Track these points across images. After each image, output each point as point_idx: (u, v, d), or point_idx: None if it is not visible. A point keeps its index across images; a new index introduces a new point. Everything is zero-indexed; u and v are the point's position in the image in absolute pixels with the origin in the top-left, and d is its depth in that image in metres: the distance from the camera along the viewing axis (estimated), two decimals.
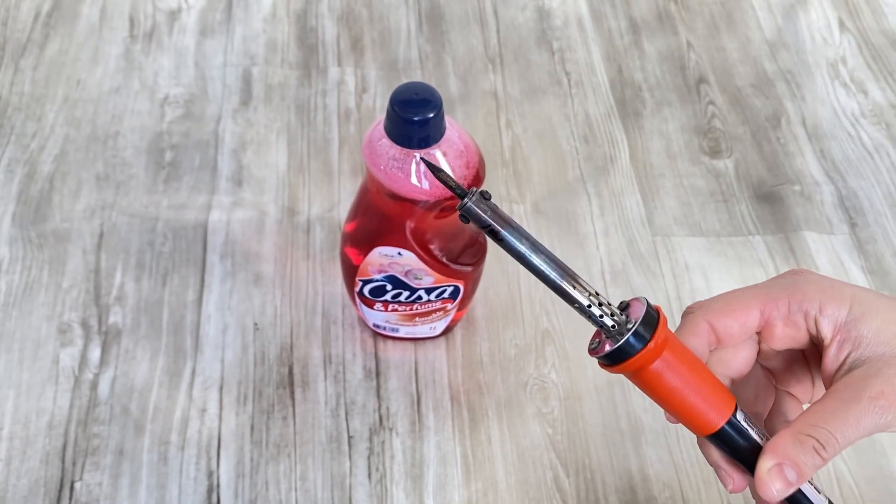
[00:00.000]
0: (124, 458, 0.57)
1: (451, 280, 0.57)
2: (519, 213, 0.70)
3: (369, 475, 0.57)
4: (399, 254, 0.55)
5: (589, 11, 0.86)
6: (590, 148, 0.75)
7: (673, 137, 0.77)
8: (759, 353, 0.43)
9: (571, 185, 0.73)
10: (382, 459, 0.58)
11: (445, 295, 0.58)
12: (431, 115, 0.49)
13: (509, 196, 0.71)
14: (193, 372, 0.60)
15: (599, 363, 0.39)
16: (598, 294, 0.38)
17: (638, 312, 0.38)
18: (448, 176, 0.38)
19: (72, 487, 0.55)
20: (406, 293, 0.57)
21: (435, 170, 0.38)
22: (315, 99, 0.77)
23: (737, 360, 0.42)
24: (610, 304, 0.38)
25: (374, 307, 0.59)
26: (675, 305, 0.66)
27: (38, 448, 0.57)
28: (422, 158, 0.40)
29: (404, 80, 0.78)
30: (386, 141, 0.51)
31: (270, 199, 0.70)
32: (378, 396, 0.60)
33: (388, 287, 0.57)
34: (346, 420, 0.59)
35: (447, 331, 0.63)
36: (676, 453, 0.59)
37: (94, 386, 0.59)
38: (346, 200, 0.70)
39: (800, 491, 0.40)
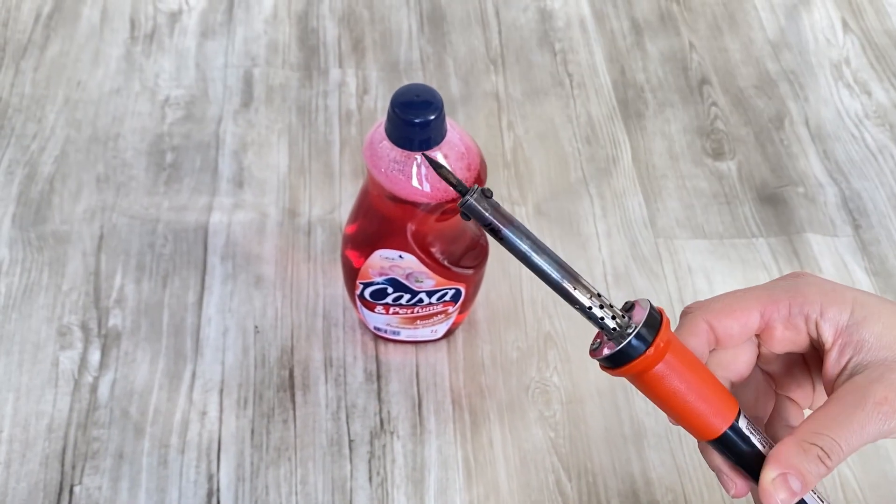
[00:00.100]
0: (124, 462, 0.56)
1: (453, 283, 0.57)
2: (521, 214, 0.70)
3: (370, 479, 0.57)
4: (400, 256, 0.54)
5: (591, 12, 0.86)
6: (592, 149, 0.75)
7: (675, 139, 0.76)
8: (758, 356, 0.43)
9: (573, 187, 0.72)
10: (383, 463, 0.57)
11: (447, 298, 0.58)
12: (432, 117, 0.49)
13: (511, 198, 0.71)
14: (194, 375, 0.60)
15: (601, 366, 0.39)
16: (600, 295, 0.38)
17: (640, 314, 0.38)
18: (449, 172, 0.38)
19: (71, 491, 0.55)
20: (407, 296, 0.57)
21: (436, 166, 0.38)
22: (316, 100, 0.77)
23: (737, 362, 0.42)
24: (612, 306, 0.38)
25: (375, 310, 0.59)
26: (677, 308, 0.65)
27: (37, 451, 0.56)
28: (423, 155, 0.39)
29: (405, 82, 0.78)
30: (387, 143, 0.50)
31: (271, 200, 0.70)
32: (379, 399, 0.60)
33: (389, 290, 0.57)
34: (347, 423, 0.59)
35: (448, 334, 0.62)
36: (679, 457, 0.58)
37: (93, 389, 0.59)
38: (348, 202, 0.69)
39: (802, 501, 0.40)
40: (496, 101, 0.78)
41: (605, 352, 0.38)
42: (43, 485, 0.55)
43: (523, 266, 0.38)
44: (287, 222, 0.68)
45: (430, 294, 0.57)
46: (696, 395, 0.39)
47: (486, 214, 0.37)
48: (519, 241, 0.37)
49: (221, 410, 0.59)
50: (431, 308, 0.58)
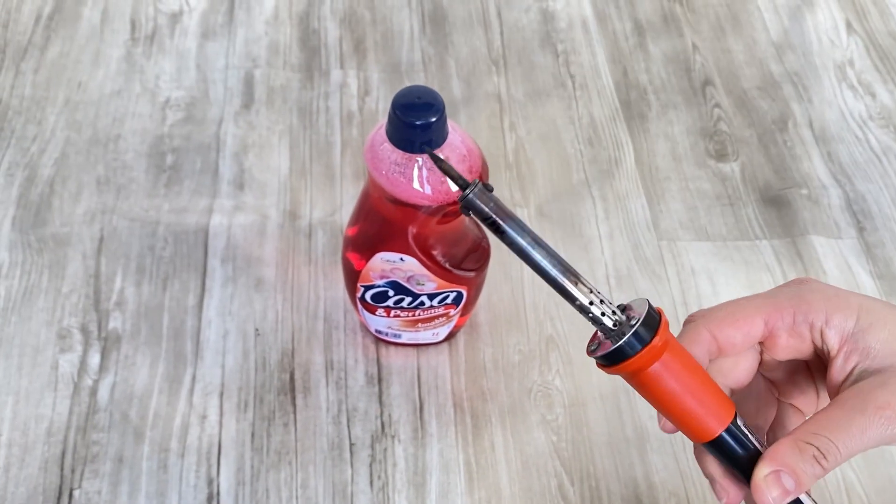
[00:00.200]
0: (124, 466, 0.56)
1: (454, 286, 0.56)
2: (523, 216, 0.69)
3: (371, 483, 0.56)
4: (401, 259, 0.54)
5: (593, 13, 0.85)
6: (594, 151, 0.75)
7: (678, 140, 0.76)
8: (760, 363, 0.43)
9: (576, 189, 0.72)
10: (384, 467, 0.57)
11: (448, 301, 0.57)
12: (433, 119, 0.48)
13: (513, 199, 0.71)
14: (194, 378, 0.60)
15: (597, 363, 0.39)
16: (599, 293, 0.37)
17: (639, 314, 0.37)
18: (450, 167, 0.37)
19: (70, 495, 0.55)
20: (408, 299, 0.57)
21: (437, 160, 0.38)
22: (317, 102, 0.76)
23: (737, 370, 0.42)
24: (611, 304, 0.37)
25: (376, 313, 0.58)
26: (680, 310, 0.65)
27: (36, 455, 0.56)
28: (425, 149, 0.39)
29: (407, 83, 0.78)
30: (388, 145, 0.50)
31: (272, 202, 0.69)
32: (380, 403, 0.60)
33: (391, 293, 0.56)
34: (348, 427, 0.58)
35: (450, 336, 0.62)
36: (682, 461, 0.58)
37: (93, 392, 0.59)
38: (349, 204, 0.69)
39: (799, 501, 0.40)
40: (498, 102, 0.77)
41: (603, 350, 0.38)
42: (42, 489, 0.55)
43: (525, 269, 0.38)
44: (288, 224, 0.68)
45: (431, 297, 0.56)
46: (693, 396, 0.38)
47: (487, 209, 0.37)
48: (519, 237, 0.37)
49: (222, 414, 0.58)
50: (433, 311, 0.58)
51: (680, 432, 0.40)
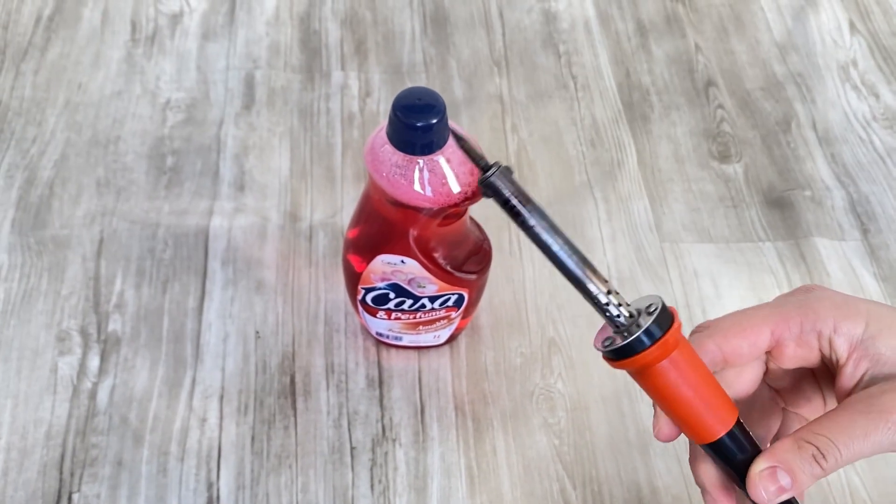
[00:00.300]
0: (123, 470, 0.56)
1: (456, 288, 0.56)
2: None
3: (372, 487, 0.56)
4: (402, 262, 0.54)
5: (596, 14, 0.85)
6: (597, 152, 0.74)
7: (681, 141, 0.76)
8: (766, 372, 0.42)
9: (578, 190, 0.72)
10: (385, 471, 0.57)
11: (449, 303, 0.57)
12: (434, 120, 0.48)
13: None
14: (194, 381, 0.59)
15: (604, 356, 0.38)
16: (612, 287, 0.37)
17: (652, 310, 0.37)
18: (472, 147, 0.37)
19: (69, 499, 0.54)
20: (409, 301, 0.56)
21: (459, 140, 0.37)
22: (318, 103, 0.76)
23: (740, 380, 0.41)
24: (623, 302, 0.37)
25: (377, 315, 0.58)
26: (683, 313, 0.64)
27: (35, 459, 0.56)
28: (449, 128, 0.38)
29: (408, 84, 0.77)
30: (388, 147, 0.50)
31: (273, 204, 0.69)
32: (381, 406, 0.59)
33: (391, 295, 0.56)
34: (349, 430, 0.58)
35: (451, 339, 0.62)
36: (686, 465, 0.57)
37: (92, 395, 0.58)
38: (349, 206, 0.69)
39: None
40: (500, 103, 0.77)
41: (614, 343, 0.37)
42: (41, 493, 0.54)
43: (527, 271, 0.37)
44: (288, 226, 0.68)
45: (432, 299, 0.56)
46: (699, 395, 0.38)
47: (507, 192, 0.36)
48: (537, 224, 0.36)
49: (221, 417, 0.58)
50: (434, 313, 0.57)
51: (677, 438, 0.40)
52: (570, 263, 0.37)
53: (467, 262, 0.56)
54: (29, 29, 0.80)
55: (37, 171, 0.70)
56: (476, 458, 0.57)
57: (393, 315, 0.58)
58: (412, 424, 0.59)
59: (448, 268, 0.55)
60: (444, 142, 0.50)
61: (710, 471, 0.41)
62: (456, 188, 0.50)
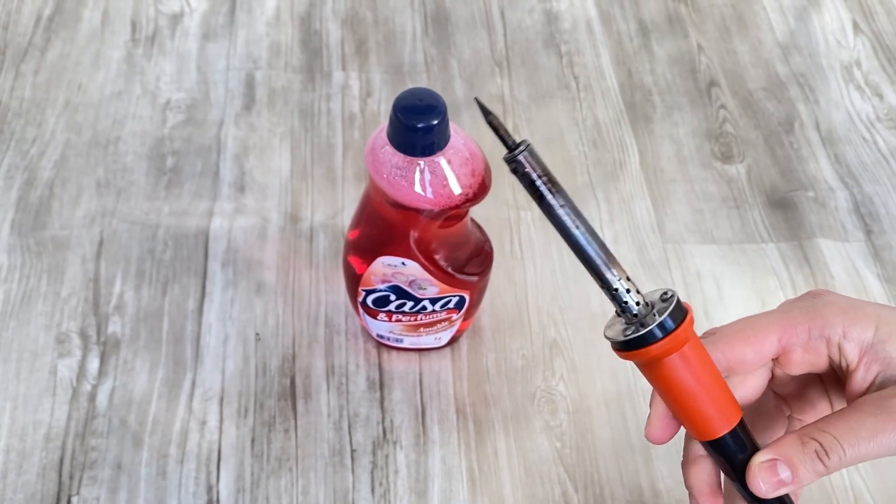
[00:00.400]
0: (122, 472, 0.55)
1: (457, 290, 0.56)
2: (527, 220, 0.69)
3: (373, 490, 0.56)
4: (403, 263, 0.53)
5: (597, 14, 0.84)
6: (599, 153, 0.74)
7: (684, 142, 0.75)
8: (772, 378, 0.42)
9: (580, 191, 0.71)
10: (386, 474, 0.56)
11: (450, 305, 0.56)
12: (435, 121, 0.48)
13: (517, 202, 0.70)
14: (193, 383, 0.59)
15: (613, 347, 0.38)
16: (629, 279, 0.37)
17: (666, 303, 0.37)
18: (500, 122, 0.36)
19: (69, 502, 0.54)
20: (410, 303, 0.56)
21: (486, 112, 0.36)
22: (319, 103, 0.76)
23: (745, 386, 0.41)
24: (639, 292, 0.37)
25: (378, 317, 0.58)
26: None
27: (34, 462, 0.55)
28: (475, 99, 0.37)
29: (409, 84, 0.77)
30: (389, 148, 0.49)
31: (273, 205, 0.69)
32: (382, 408, 0.59)
33: (392, 297, 0.56)
34: (349, 433, 0.58)
35: (453, 341, 0.61)
36: None
37: (92, 397, 0.58)
38: (350, 207, 0.68)
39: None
40: (501, 103, 0.77)
41: (627, 333, 0.37)
42: (40, 496, 0.54)
43: (528, 272, 0.37)
44: (289, 227, 0.67)
45: (433, 301, 0.56)
46: (706, 391, 0.38)
47: (534, 173, 0.35)
48: (559, 206, 0.35)
49: (221, 420, 0.58)
50: (435, 315, 0.57)
51: (672, 441, 0.40)
52: (590, 250, 0.36)
53: (468, 264, 0.56)
54: (29, 29, 0.79)
55: (36, 172, 0.69)
56: (477, 461, 0.57)
57: (394, 317, 0.57)
58: (413, 427, 0.58)
59: (449, 270, 0.55)
60: (445, 143, 0.49)
61: (701, 476, 0.41)
62: (457, 190, 0.50)
